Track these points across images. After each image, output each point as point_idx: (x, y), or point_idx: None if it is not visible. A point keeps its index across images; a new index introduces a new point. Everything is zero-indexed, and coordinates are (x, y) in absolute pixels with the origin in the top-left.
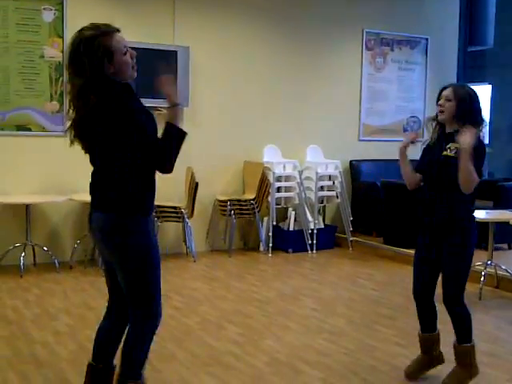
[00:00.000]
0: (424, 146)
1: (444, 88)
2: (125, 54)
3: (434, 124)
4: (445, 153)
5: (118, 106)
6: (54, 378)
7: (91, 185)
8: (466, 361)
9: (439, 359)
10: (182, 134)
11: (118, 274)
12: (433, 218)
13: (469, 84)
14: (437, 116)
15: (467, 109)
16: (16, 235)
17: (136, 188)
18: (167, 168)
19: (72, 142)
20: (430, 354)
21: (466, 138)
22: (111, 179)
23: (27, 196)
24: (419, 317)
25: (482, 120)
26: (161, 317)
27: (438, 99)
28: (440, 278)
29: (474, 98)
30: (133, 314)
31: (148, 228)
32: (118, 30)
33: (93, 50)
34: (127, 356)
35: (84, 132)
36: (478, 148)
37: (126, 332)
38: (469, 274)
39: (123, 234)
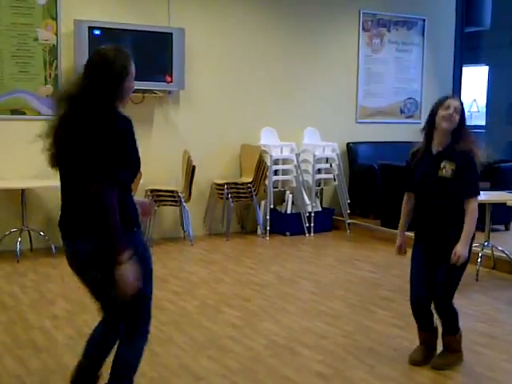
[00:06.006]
0: (412, 159)
1: (449, 97)
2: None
3: (425, 132)
4: (440, 173)
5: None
6: (52, 363)
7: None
8: (456, 348)
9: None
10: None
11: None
12: (431, 234)
13: (466, 65)
14: (430, 125)
15: (465, 124)
16: (12, 220)
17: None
18: (94, 193)
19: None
20: (427, 345)
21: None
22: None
23: (23, 181)
24: (417, 321)
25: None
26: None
27: (440, 107)
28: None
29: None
30: (127, 330)
31: (141, 240)
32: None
33: (119, 71)
34: (118, 373)
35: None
36: (470, 165)
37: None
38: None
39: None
